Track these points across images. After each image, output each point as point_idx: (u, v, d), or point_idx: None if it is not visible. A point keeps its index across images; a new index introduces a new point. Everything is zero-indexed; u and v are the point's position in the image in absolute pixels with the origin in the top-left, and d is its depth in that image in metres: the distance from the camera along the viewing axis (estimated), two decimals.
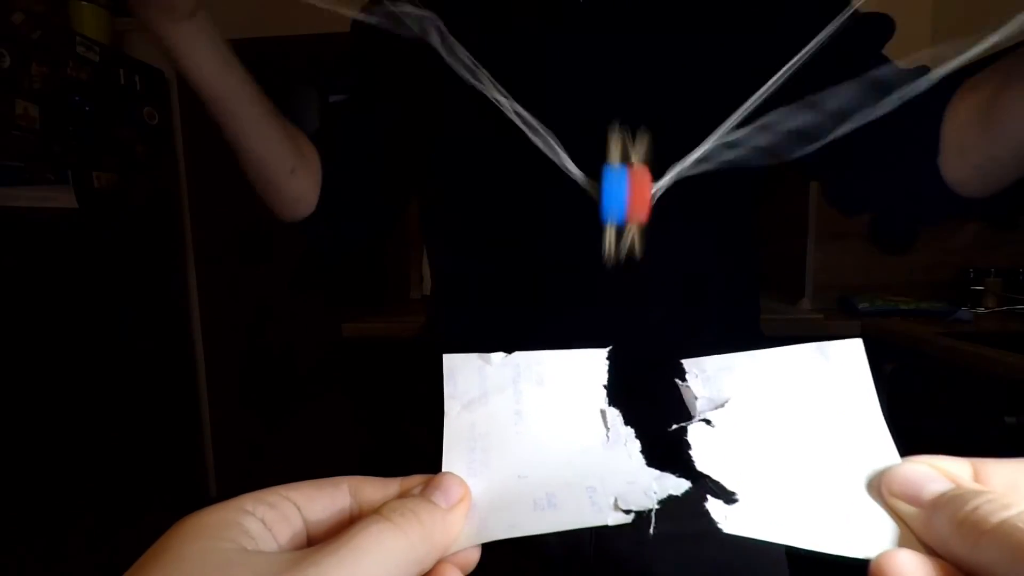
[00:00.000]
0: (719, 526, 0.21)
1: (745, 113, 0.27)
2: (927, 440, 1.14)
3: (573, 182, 0.29)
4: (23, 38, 1.52)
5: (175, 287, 2.22)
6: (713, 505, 0.22)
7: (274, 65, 2.53)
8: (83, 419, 1.77)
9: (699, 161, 0.28)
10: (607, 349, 0.26)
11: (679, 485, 0.23)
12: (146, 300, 2.04)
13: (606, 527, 0.22)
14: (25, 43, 1.53)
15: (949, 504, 0.18)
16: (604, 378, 0.26)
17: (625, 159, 0.26)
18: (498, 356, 0.26)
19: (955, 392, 1.08)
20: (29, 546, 1.54)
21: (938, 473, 0.20)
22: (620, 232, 0.27)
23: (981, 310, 1.51)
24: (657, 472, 0.24)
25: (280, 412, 2.48)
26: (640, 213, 0.26)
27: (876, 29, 0.52)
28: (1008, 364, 0.95)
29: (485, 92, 0.28)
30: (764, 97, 0.27)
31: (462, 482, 0.23)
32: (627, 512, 0.23)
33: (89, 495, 1.77)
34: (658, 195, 0.26)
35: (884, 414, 0.23)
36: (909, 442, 0.22)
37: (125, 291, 1.93)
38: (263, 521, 0.19)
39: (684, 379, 0.25)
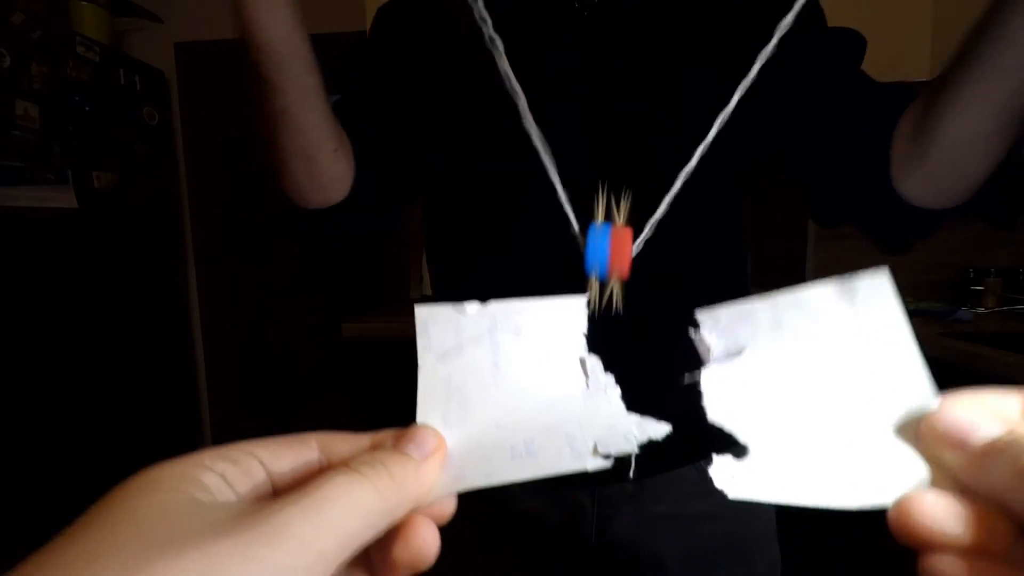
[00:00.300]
0: (725, 491, 0.21)
1: (706, 147, 0.28)
2: None
3: (568, 195, 0.30)
4: (23, 38, 1.52)
5: (175, 287, 2.22)
6: (719, 467, 0.21)
7: None
8: (83, 419, 1.77)
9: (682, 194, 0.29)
10: (585, 296, 0.26)
11: (659, 429, 0.23)
12: (146, 300, 2.04)
13: (594, 479, 0.22)
14: (25, 43, 1.53)
15: (1005, 451, 0.16)
16: (583, 326, 0.25)
17: (609, 218, 0.27)
18: (473, 306, 0.26)
19: (955, 392, 1.08)
20: (29, 546, 1.54)
21: (987, 415, 0.18)
22: (603, 286, 0.28)
23: (981, 310, 1.51)
24: (637, 417, 0.23)
25: (280, 412, 2.48)
26: (621, 269, 0.27)
27: (849, 46, 0.53)
28: (1008, 364, 0.95)
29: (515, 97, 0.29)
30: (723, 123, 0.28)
31: (436, 433, 0.23)
32: (607, 457, 0.23)
33: (89, 495, 1.76)
34: (638, 250, 0.28)
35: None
36: None
37: (125, 291, 1.93)
38: (223, 476, 0.18)
39: (697, 330, 0.24)
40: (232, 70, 2.44)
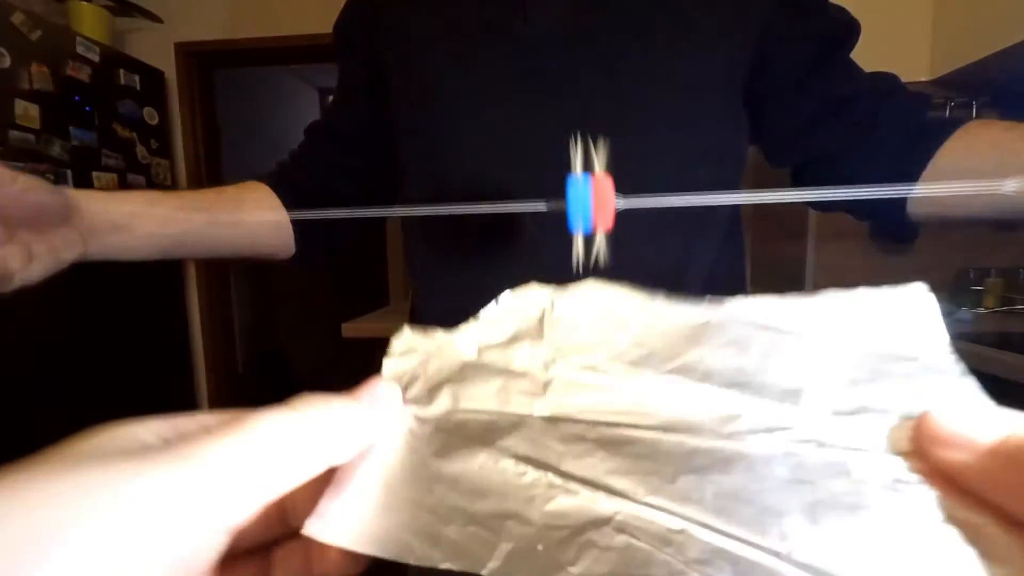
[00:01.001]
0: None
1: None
2: None
3: (543, 188, 0.28)
4: (23, 38, 1.52)
5: (175, 288, 2.22)
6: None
7: (274, 65, 2.52)
8: (83, 419, 1.76)
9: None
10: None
11: None
12: (146, 301, 2.04)
13: None
14: (25, 43, 1.52)
15: (1017, 452, 0.15)
16: None
17: (588, 168, 0.26)
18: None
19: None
20: None
21: (986, 417, 0.17)
22: (588, 241, 0.26)
23: (981, 310, 1.51)
24: None
25: None
26: (605, 220, 0.26)
27: (845, 31, 0.51)
28: (1008, 364, 0.95)
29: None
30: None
31: (394, 386, 0.21)
32: None
33: None
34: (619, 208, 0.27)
35: None
36: None
37: (125, 292, 1.93)
38: (157, 432, 0.17)
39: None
40: (232, 70, 2.44)
